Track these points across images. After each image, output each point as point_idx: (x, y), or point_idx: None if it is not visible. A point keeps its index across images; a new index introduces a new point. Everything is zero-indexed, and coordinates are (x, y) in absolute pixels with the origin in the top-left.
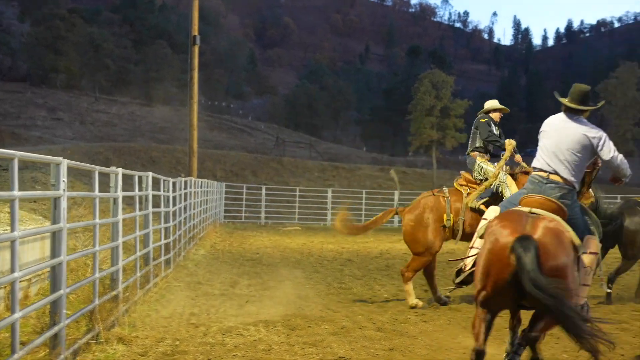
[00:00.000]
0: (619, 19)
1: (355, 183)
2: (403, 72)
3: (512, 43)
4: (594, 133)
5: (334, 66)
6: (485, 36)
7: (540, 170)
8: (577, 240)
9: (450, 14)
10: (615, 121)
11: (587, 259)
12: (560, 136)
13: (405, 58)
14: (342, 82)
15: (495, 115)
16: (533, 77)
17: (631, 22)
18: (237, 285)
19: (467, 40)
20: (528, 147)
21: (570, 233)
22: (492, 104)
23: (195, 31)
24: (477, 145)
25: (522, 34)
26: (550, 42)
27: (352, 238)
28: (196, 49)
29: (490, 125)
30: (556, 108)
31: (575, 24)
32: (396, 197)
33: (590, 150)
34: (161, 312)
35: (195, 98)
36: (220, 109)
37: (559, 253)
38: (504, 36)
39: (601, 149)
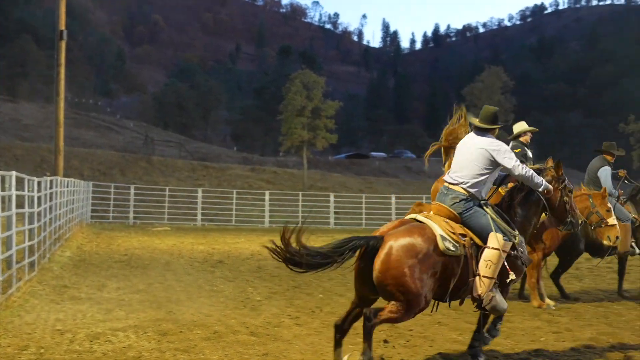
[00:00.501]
0: (484, 25)
1: (226, 183)
2: (274, 72)
3: (381, 45)
4: (494, 146)
5: (204, 65)
6: (355, 38)
7: (446, 182)
8: (442, 246)
9: (320, 15)
10: None
11: (487, 253)
12: (466, 151)
13: (276, 58)
14: (213, 81)
15: (526, 139)
16: (401, 79)
17: (495, 27)
18: (105, 289)
19: (337, 42)
20: (396, 148)
21: (437, 244)
22: (521, 127)
23: (62, 26)
24: None
25: (390, 36)
26: (418, 46)
27: (223, 238)
28: (63, 44)
29: (525, 157)
30: (425, 110)
31: (442, 29)
32: (267, 197)
33: (489, 161)
34: (25, 318)
35: (61, 95)
36: (87, 106)
37: (400, 261)
38: (373, 38)
39: (501, 159)
